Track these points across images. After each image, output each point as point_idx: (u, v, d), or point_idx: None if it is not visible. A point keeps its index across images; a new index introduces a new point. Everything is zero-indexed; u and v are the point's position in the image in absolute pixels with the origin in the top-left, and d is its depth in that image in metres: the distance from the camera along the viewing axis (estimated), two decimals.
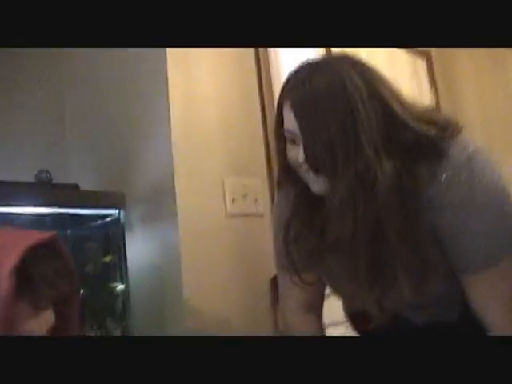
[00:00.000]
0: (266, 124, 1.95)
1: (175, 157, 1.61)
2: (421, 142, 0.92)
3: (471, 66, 2.90)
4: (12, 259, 0.70)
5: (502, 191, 0.93)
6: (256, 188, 1.83)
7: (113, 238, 1.59)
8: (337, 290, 1.16)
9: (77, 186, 1.67)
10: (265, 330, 1.72)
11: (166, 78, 1.66)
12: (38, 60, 1.98)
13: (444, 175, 0.92)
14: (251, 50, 1.97)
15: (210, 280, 1.63)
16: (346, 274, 1.01)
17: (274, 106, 1.94)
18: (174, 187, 1.59)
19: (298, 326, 1.19)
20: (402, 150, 0.91)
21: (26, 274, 0.74)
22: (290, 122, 0.93)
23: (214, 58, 1.83)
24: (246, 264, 1.75)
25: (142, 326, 1.61)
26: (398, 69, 2.67)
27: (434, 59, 2.90)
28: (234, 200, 1.76)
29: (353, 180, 0.88)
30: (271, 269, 1.80)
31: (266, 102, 1.97)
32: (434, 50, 2.86)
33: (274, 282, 1.80)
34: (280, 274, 1.24)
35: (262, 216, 1.82)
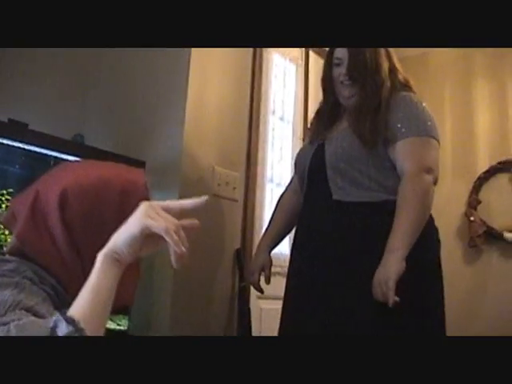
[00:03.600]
0: (250, 130, 2.47)
1: (184, 144, 2.11)
2: (399, 78, 1.80)
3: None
4: (142, 177, 1.13)
5: (420, 109, 1.73)
6: (236, 179, 2.34)
7: None
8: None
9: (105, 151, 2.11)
10: (228, 284, 2.25)
11: (187, 77, 2.16)
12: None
13: (397, 97, 1.75)
14: (250, 60, 2.49)
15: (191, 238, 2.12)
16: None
17: (258, 115, 2.48)
18: (180, 166, 2.09)
19: (285, 197, 2.00)
20: (392, 77, 1.78)
21: None
22: (341, 50, 1.76)
23: (220, 65, 2.34)
24: (218, 234, 2.26)
25: None
26: None
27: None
28: (219, 184, 2.27)
29: (373, 84, 1.73)
30: (236, 242, 2.32)
31: (254, 112, 2.50)
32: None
33: (237, 252, 2.33)
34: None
35: (236, 201, 2.34)
